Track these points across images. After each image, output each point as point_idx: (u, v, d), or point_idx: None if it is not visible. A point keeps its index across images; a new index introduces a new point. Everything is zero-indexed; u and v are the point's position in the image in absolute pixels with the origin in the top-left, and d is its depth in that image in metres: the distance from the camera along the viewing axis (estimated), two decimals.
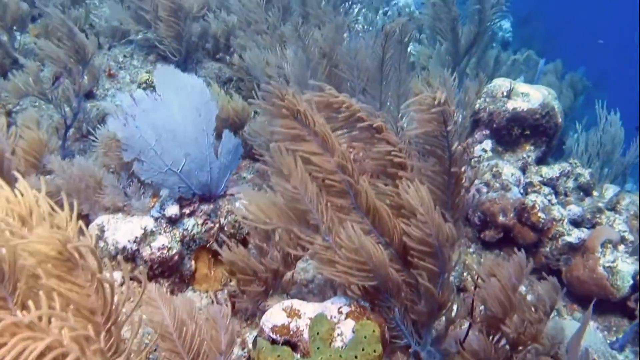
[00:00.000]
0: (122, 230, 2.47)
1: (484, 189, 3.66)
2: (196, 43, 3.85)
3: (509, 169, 3.72)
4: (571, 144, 4.95)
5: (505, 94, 4.05)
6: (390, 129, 1.80)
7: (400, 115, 3.13)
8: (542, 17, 11.83)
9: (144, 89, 3.30)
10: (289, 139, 1.71)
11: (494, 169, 3.72)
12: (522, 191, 3.67)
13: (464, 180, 1.71)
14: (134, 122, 2.31)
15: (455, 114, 1.54)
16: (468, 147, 3.87)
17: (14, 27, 3.30)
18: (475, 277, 1.86)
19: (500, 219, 3.49)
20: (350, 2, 5.82)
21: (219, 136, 2.61)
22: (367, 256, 1.48)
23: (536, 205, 3.46)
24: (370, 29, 5.68)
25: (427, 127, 1.59)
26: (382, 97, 3.09)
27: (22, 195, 1.25)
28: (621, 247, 3.30)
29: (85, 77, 2.98)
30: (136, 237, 2.45)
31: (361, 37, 3.48)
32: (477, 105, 4.12)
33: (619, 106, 4.65)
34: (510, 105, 3.99)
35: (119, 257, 2.35)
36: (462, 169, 1.67)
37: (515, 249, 1.77)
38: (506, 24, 8.88)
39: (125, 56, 3.67)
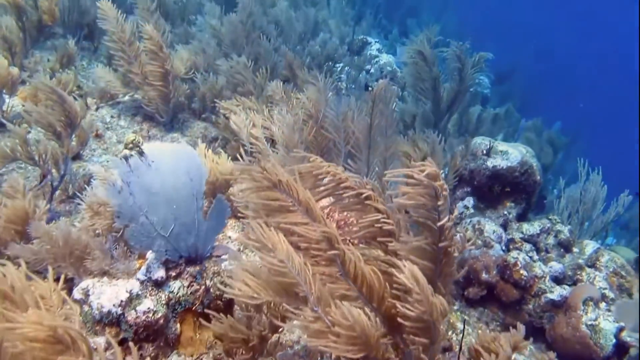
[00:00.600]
0: (107, 294, 2.45)
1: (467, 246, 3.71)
2: (183, 103, 3.93)
3: (490, 226, 3.79)
4: (553, 199, 5.05)
5: (485, 152, 4.17)
6: (379, 196, 1.84)
7: (388, 182, 3.19)
8: (520, 74, 12.23)
9: (131, 148, 3.34)
10: (272, 209, 1.74)
11: (476, 226, 3.79)
12: (504, 248, 3.73)
13: (453, 251, 1.75)
14: (128, 188, 2.34)
15: (445, 190, 1.59)
16: (455, 218, 3.95)
17: (4, 91, 3.35)
18: (462, 342, 1.87)
19: (483, 276, 3.53)
20: (333, 62, 5.99)
21: (206, 196, 2.64)
22: (361, 331, 1.50)
23: (518, 263, 3.51)
24: (353, 86, 5.83)
25: (417, 199, 1.64)
26: (370, 160, 3.16)
27: (4, 275, 1.27)
28: (602, 305, 3.34)
29: (74, 140, 3.01)
30: (121, 301, 2.43)
31: (344, 94, 3.56)
32: (458, 163, 4.22)
33: (599, 159, 4.77)
34: (490, 163, 4.10)
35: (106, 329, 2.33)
36: (452, 241, 1.71)
37: (519, 324, 1.78)
38: (485, 80, 9.18)
39: (112, 117, 3.71)
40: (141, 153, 2.78)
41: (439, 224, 1.64)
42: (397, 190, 1.70)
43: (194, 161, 2.47)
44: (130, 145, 3.29)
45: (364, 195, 1.78)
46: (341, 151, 3.45)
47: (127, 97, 3.84)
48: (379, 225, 1.79)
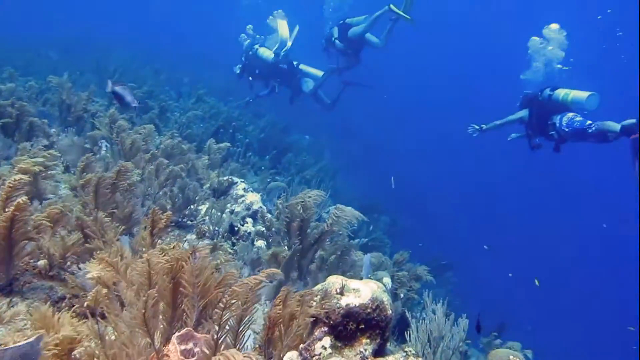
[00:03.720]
0: None
1: None
2: (26, 262, 3.78)
3: None
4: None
5: (338, 290, 4.35)
6: None
7: None
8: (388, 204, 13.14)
9: None
10: None
11: None
12: None
13: None
14: None
15: None
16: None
17: None
18: None
19: None
20: (195, 205, 6.12)
21: None
22: None
23: None
24: (217, 229, 5.94)
25: None
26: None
27: None
28: None
29: None
30: None
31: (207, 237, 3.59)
32: (315, 304, 4.35)
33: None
34: (344, 301, 4.27)
35: None
36: None
37: None
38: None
39: None
40: None
41: None
42: None
43: None
44: None
45: None
46: (195, 306, 3.44)
47: None
48: None
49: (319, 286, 4.51)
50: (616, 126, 8.07)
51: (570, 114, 8.92)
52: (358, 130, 21.42)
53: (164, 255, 3.43)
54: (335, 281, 4.44)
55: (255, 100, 14.35)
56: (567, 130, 8.84)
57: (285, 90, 14.05)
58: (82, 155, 5.40)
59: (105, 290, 3.49)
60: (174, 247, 3.73)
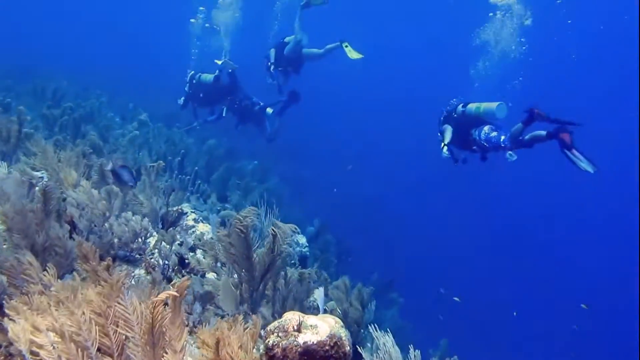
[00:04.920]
0: None
1: None
2: None
3: None
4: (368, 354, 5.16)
5: (295, 327, 4.19)
6: None
7: None
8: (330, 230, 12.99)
9: None
10: None
11: None
12: None
13: None
14: None
15: None
16: None
17: None
18: None
19: None
20: (143, 237, 5.82)
21: None
22: None
23: None
24: (167, 262, 5.68)
25: None
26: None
27: None
28: None
29: None
30: None
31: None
32: (271, 341, 4.16)
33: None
34: (301, 339, 4.10)
35: None
36: None
37: None
38: (302, 239, 9.52)
39: None
40: None
41: None
42: None
43: None
44: None
45: None
46: (138, 345, 3.21)
47: None
48: None
49: (275, 323, 4.33)
50: (519, 125, 8.36)
51: (486, 128, 9.13)
52: (306, 153, 21.35)
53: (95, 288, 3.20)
54: (292, 317, 4.26)
55: (203, 125, 13.99)
56: (487, 145, 9.09)
57: (231, 116, 13.68)
58: (20, 189, 5.06)
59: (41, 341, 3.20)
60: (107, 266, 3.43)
